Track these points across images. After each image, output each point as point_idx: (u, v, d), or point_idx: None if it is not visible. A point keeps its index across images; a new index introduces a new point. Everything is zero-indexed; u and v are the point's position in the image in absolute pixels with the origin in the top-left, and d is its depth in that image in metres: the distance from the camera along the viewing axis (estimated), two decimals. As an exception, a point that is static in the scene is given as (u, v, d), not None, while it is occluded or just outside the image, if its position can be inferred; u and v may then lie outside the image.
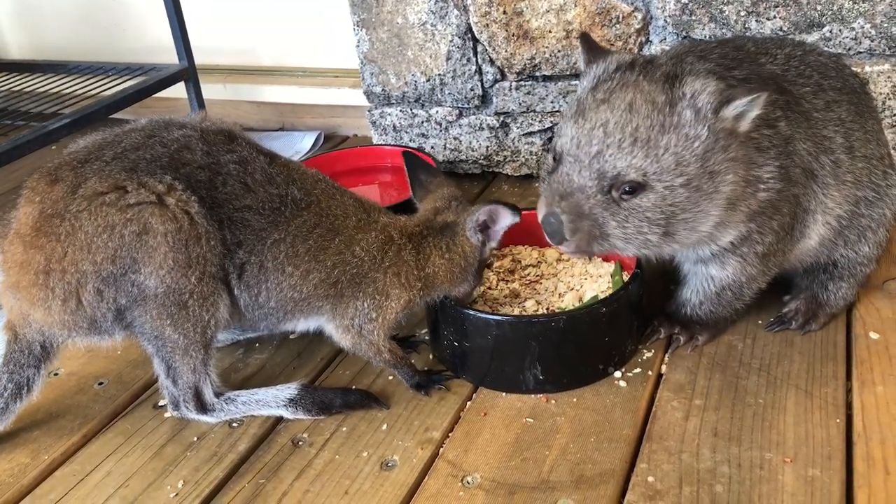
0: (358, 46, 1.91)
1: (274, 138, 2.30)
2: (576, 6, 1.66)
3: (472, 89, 1.85)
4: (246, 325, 1.20)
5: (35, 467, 1.14)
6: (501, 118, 1.86)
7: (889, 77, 1.50)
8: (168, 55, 2.23)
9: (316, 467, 1.10)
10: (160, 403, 1.25)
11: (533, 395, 1.20)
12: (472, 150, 1.92)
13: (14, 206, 1.13)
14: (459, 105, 1.89)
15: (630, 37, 1.66)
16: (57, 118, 1.83)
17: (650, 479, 1.03)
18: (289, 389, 1.20)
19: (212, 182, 1.10)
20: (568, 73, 1.75)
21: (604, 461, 1.06)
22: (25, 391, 1.16)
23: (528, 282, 1.40)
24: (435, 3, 1.77)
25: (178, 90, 2.20)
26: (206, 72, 2.36)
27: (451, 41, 1.80)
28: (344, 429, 1.17)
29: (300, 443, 1.15)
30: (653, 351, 1.28)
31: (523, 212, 1.20)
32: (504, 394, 1.21)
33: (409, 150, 1.30)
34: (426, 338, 1.35)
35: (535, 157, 1.87)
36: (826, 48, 1.52)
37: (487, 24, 1.74)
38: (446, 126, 1.92)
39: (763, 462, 1.04)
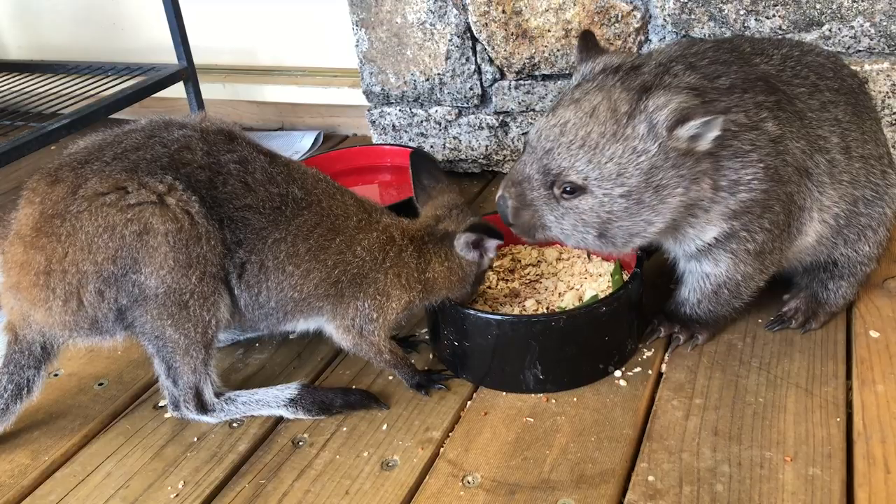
0: (357, 46, 1.91)
1: (273, 138, 2.30)
2: (574, 5, 1.66)
3: (471, 88, 1.85)
4: (246, 326, 1.20)
5: (35, 468, 1.14)
6: (501, 117, 1.86)
7: (888, 75, 1.50)
8: (166, 55, 2.23)
9: (316, 467, 1.10)
10: (160, 404, 1.25)
11: (533, 395, 1.20)
12: (472, 150, 1.92)
13: (14, 206, 1.13)
14: (459, 104, 1.89)
15: (629, 36, 1.66)
16: (56, 118, 1.83)
17: (650, 478, 1.03)
18: (289, 389, 1.20)
19: (212, 182, 1.10)
20: (567, 72, 1.75)
21: (604, 460, 1.07)
22: (25, 392, 1.16)
23: (527, 281, 1.40)
24: (434, 3, 1.77)
25: (178, 90, 2.20)
26: (206, 71, 2.36)
27: (450, 40, 1.80)
28: (344, 429, 1.17)
29: (300, 443, 1.15)
30: (653, 350, 1.28)
31: None
32: (504, 393, 1.21)
33: (418, 151, 1.31)
34: (426, 337, 1.35)
35: (534, 157, 1.87)
36: (825, 47, 1.52)
37: (486, 24, 1.74)
38: (446, 125, 1.92)
39: (763, 461, 1.04)
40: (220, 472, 1.11)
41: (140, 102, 2.08)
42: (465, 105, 1.88)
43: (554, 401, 1.18)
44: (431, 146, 1.96)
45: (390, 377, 1.27)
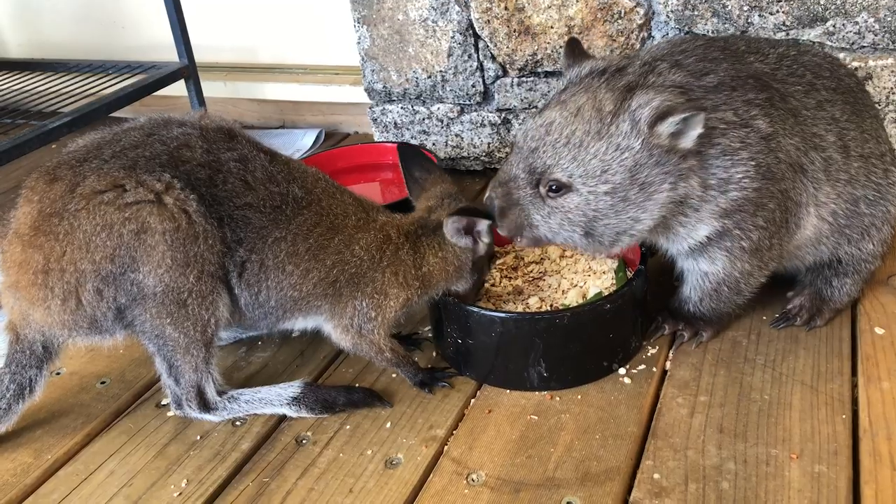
0: (359, 43, 1.91)
1: (274, 136, 2.29)
2: (577, 2, 1.65)
3: (473, 86, 1.84)
4: (246, 325, 1.20)
5: (38, 467, 1.14)
6: (503, 114, 1.85)
7: (893, 71, 1.50)
8: (167, 53, 2.22)
9: (320, 466, 1.10)
10: (163, 402, 1.24)
11: (537, 393, 1.19)
12: (474, 147, 1.91)
13: (13, 205, 1.12)
14: (461, 102, 1.88)
15: (632, 32, 1.65)
16: (57, 117, 1.82)
17: (656, 476, 1.03)
18: (292, 388, 1.19)
19: (212, 180, 1.09)
20: (570, 68, 1.74)
21: (609, 458, 1.06)
22: (28, 392, 1.16)
23: (531, 278, 1.39)
24: (436, 0, 1.76)
25: (178, 88, 2.19)
26: (206, 69, 2.35)
27: (453, 37, 1.80)
28: (347, 427, 1.16)
29: (304, 441, 1.14)
30: (657, 347, 1.27)
31: None
32: (508, 391, 1.20)
33: (405, 144, 1.29)
34: (429, 335, 1.35)
35: (537, 154, 1.87)
36: (829, 42, 1.51)
37: (489, 20, 1.73)
38: (448, 123, 1.91)
39: (769, 458, 1.03)
40: (224, 471, 1.10)
41: (141, 101, 2.07)
42: (468, 102, 1.88)
43: (558, 398, 1.18)
44: (433, 144, 1.95)
45: (393, 375, 1.26)
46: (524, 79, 1.79)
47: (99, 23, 2.56)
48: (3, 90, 2.22)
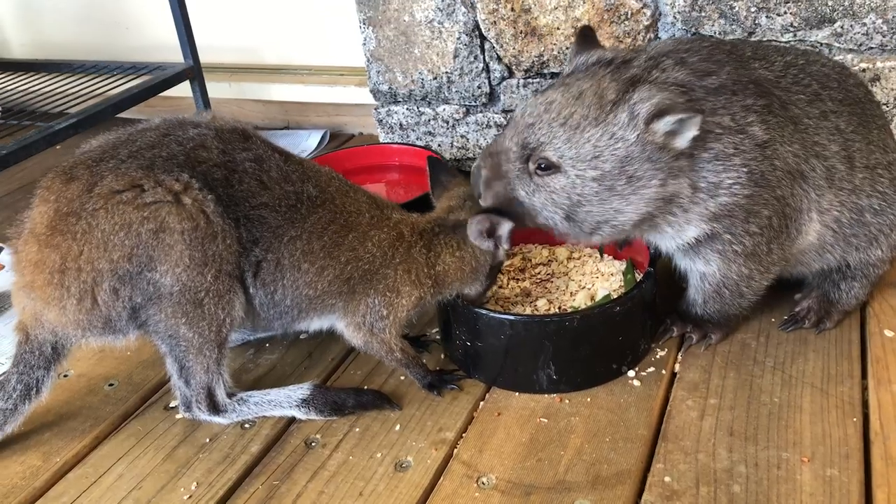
0: (364, 44, 1.90)
1: (279, 137, 2.29)
2: (584, 3, 1.65)
3: (479, 87, 1.84)
4: (260, 325, 1.20)
5: (47, 469, 1.14)
6: (509, 116, 1.85)
7: (901, 73, 1.50)
8: (170, 53, 2.22)
9: (330, 468, 1.10)
10: (171, 405, 1.24)
11: (546, 395, 1.19)
12: (480, 148, 1.91)
13: (27, 205, 1.12)
14: (467, 103, 1.88)
15: (639, 33, 1.65)
16: (63, 118, 1.82)
17: (667, 479, 1.02)
18: (301, 390, 1.19)
19: (228, 180, 1.09)
20: (576, 70, 1.74)
21: (620, 461, 1.06)
22: (34, 392, 1.15)
23: (538, 280, 1.39)
24: (442, 1, 1.76)
25: (182, 89, 2.19)
26: (211, 70, 2.35)
27: (459, 39, 1.80)
28: (357, 429, 1.16)
29: (313, 444, 1.14)
30: (666, 350, 1.27)
31: None
32: (517, 394, 1.20)
33: (433, 155, 1.31)
34: (437, 337, 1.35)
35: (543, 155, 1.86)
36: (837, 44, 1.51)
37: (495, 22, 1.73)
38: (453, 124, 1.91)
39: (780, 462, 1.03)
40: (234, 474, 1.10)
41: (145, 102, 2.07)
42: (473, 103, 1.87)
43: (567, 401, 1.18)
44: (439, 145, 1.95)
45: (402, 377, 1.26)
46: (530, 80, 1.79)
47: (101, 23, 2.56)
48: (7, 91, 2.22)
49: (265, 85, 2.35)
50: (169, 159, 1.07)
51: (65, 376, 1.33)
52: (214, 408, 1.16)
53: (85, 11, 2.57)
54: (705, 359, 1.24)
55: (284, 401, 1.19)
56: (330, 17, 2.24)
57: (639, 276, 1.34)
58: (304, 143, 2.27)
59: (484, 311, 1.18)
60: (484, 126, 1.88)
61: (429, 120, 1.93)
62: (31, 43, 2.71)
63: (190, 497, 1.07)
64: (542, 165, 1.09)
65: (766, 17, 1.54)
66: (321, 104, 2.34)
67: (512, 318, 1.17)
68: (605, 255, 1.41)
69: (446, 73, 1.85)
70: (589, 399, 1.18)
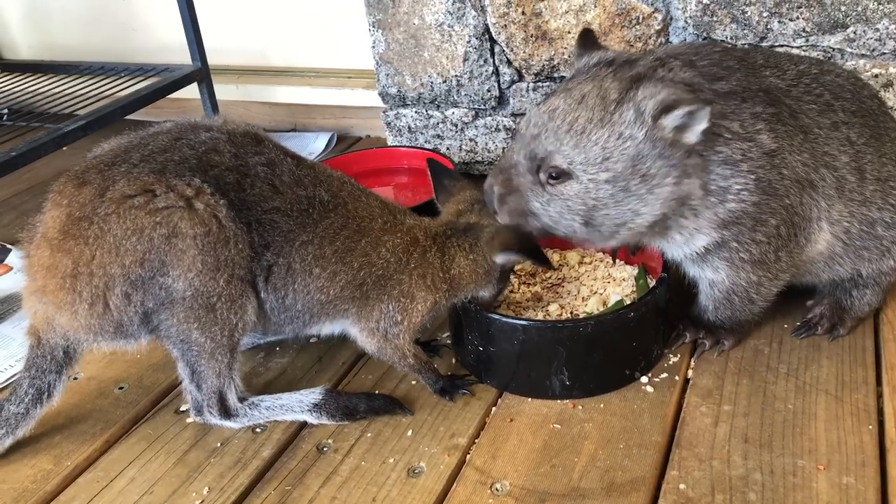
0: (374, 47, 1.90)
1: (286, 139, 2.29)
2: (595, 7, 1.65)
3: (488, 90, 1.83)
4: (270, 329, 1.19)
5: (58, 473, 1.13)
6: (518, 119, 1.84)
7: (913, 78, 1.49)
8: (177, 55, 2.22)
9: (342, 474, 1.09)
10: (182, 408, 1.24)
11: (559, 401, 1.19)
12: (488, 152, 1.91)
13: (35, 207, 1.12)
14: (476, 106, 1.88)
15: (650, 38, 1.64)
16: (72, 119, 1.82)
17: (682, 486, 1.02)
18: (313, 394, 1.19)
19: (240, 184, 1.09)
20: (586, 74, 1.73)
21: (634, 468, 1.05)
22: (46, 397, 1.15)
23: (549, 285, 1.38)
24: (452, 4, 1.76)
25: (190, 91, 2.19)
26: (218, 72, 2.35)
27: (468, 42, 1.79)
28: (369, 434, 1.16)
29: (325, 449, 1.14)
30: (678, 356, 1.27)
31: None
32: (530, 399, 1.20)
33: (432, 155, 1.30)
34: (448, 342, 1.34)
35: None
36: (849, 49, 1.50)
37: (506, 25, 1.73)
38: (462, 127, 1.91)
39: (796, 469, 1.03)
40: (245, 479, 1.09)
41: (153, 104, 2.07)
42: (483, 107, 1.87)
43: (580, 407, 1.17)
44: (447, 148, 1.95)
45: (413, 382, 1.26)
46: (540, 84, 1.78)
47: (108, 25, 2.56)
48: (16, 92, 2.22)
49: (272, 87, 2.35)
50: (181, 163, 1.07)
51: (75, 379, 1.33)
52: (226, 412, 1.16)
53: (92, 13, 2.57)
54: (718, 365, 1.24)
55: (296, 405, 1.18)
56: (337, 19, 2.24)
57: (650, 281, 1.33)
58: (312, 146, 2.27)
59: (497, 317, 1.18)
60: (493, 129, 1.88)
61: (437, 123, 1.93)
62: (38, 44, 2.71)
63: (202, 502, 1.06)
64: (553, 174, 1.07)
65: (779, 21, 1.53)
66: (328, 107, 2.33)
67: (525, 323, 1.16)
68: (618, 261, 1.41)
69: (456, 76, 1.85)
70: (602, 405, 1.17)
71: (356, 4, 1.92)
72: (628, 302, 1.27)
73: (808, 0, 1.49)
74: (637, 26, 1.64)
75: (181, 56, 2.19)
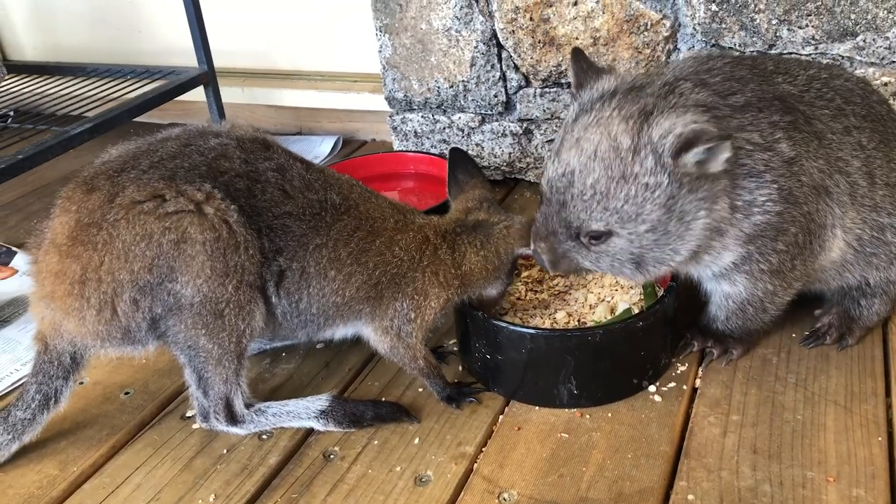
0: (380, 52, 1.90)
1: (292, 143, 2.29)
2: (603, 13, 1.65)
3: (495, 96, 1.83)
4: (281, 334, 1.19)
5: (64, 479, 1.13)
6: (525, 125, 1.84)
7: (922, 87, 1.49)
8: (182, 58, 2.22)
9: (349, 482, 1.09)
10: (188, 414, 1.23)
11: (566, 410, 1.18)
12: (495, 157, 1.91)
13: (41, 209, 1.11)
14: (482, 111, 1.87)
15: (658, 44, 1.64)
16: (79, 122, 1.82)
17: (690, 497, 1.01)
18: (320, 401, 1.18)
19: (251, 190, 1.09)
20: (594, 80, 1.73)
21: (642, 478, 1.05)
22: (53, 402, 1.15)
23: (556, 292, 1.38)
24: (460, 10, 1.76)
25: (196, 94, 2.18)
26: (224, 75, 2.34)
27: (476, 47, 1.79)
28: (375, 442, 1.15)
29: (332, 456, 1.13)
30: (686, 365, 1.26)
31: None
32: (537, 408, 1.19)
33: (457, 149, 1.31)
34: (454, 349, 1.34)
35: (558, 165, 1.86)
36: (859, 57, 1.50)
37: (513, 31, 1.73)
38: (468, 132, 1.90)
39: (805, 481, 1.02)
40: (252, 486, 1.09)
41: (159, 106, 2.07)
42: (489, 112, 1.87)
43: (588, 416, 1.17)
44: (454, 153, 1.94)
45: (420, 389, 1.25)
46: (547, 89, 1.78)
47: (114, 26, 2.56)
48: (22, 94, 2.21)
49: (278, 90, 2.35)
50: (191, 170, 1.07)
51: (80, 384, 1.32)
52: (232, 418, 1.15)
53: (97, 14, 2.57)
54: (726, 374, 1.23)
55: (303, 412, 1.18)
56: (343, 23, 2.24)
57: (658, 290, 1.33)
58: (317, 150, 2.26)
59: (505, 325, 1.18)
60: (499, 135, 1.87)
61: (444, 128, 1.93)
62: (43, 45, 2.70)
63: (208, 509, 1.06)
64: (594, 237, 1.07)
65: (788, 29, 1.53)
66: (334, 110, 2.33)
67: (533, 332, 1.16)
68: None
69: (463, 81, 1.84)
70: (610, 414, 1.17)
71: (363, 8, 1.92)
72: (636, 310, 1.27)
73: (818, 8, 1.49)
74: (645, 33, 1.64)
75: (186, 58, 2.18)
